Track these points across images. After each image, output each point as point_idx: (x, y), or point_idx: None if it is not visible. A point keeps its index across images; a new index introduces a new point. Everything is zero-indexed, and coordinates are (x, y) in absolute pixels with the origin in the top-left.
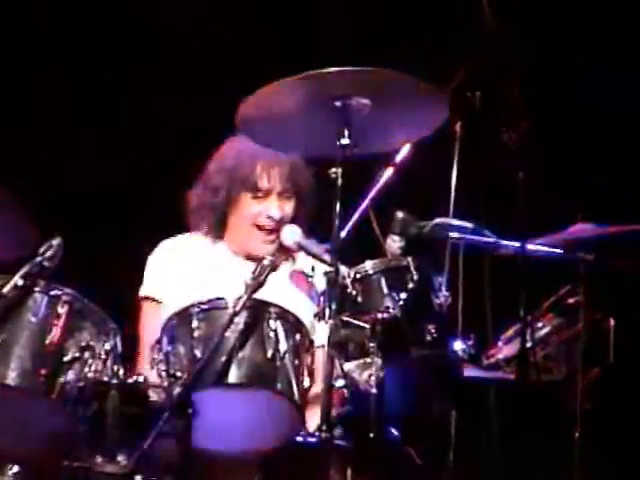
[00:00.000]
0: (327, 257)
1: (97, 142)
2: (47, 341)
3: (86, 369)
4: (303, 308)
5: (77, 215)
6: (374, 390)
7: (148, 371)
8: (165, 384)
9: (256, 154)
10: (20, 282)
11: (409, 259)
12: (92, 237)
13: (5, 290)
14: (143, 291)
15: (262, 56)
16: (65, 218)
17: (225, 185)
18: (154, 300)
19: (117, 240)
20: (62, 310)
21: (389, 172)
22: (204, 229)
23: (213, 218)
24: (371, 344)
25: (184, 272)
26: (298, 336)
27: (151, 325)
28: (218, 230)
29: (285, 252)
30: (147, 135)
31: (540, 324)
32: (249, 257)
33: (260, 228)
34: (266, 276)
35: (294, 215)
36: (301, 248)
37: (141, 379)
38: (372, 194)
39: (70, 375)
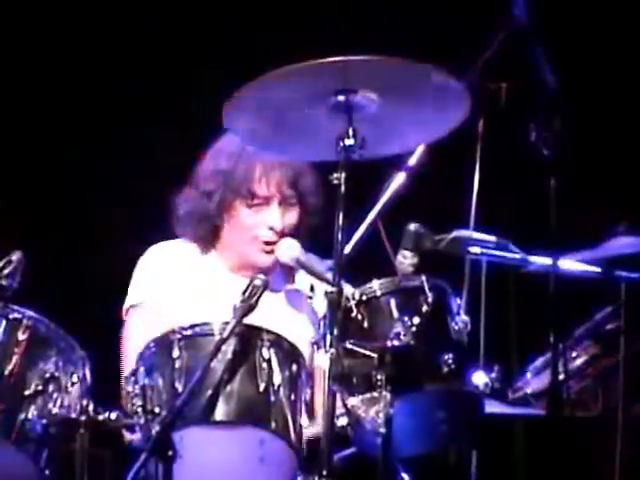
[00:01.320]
0: (329, 276)
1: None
2: (5, 372)
3: (51, 404)
4: (300, 334)
5: (40, 227)
6: (382, 429)
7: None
8: (142, 422)
9: (255, 155)
10: None
11: (423, 278)
12: (57, 251)
13: None
14: (134, 299)
15: (252, 44)
16: (27, 230)
17: (219, 190)
18: (146, 307)
19: (87, 255)
20: (23, 336)
21: (400, 178)
22: (193, 238)
23: (204, 227)
24: (379, 376)
25: (177, 279)
26: (295, 367)
27: (146, 334)
28: (209, 241)
29: (281, 268)
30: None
31: (574, 353)
32: (243, 268)
33: (259, 240)
34: (258, 297)
35: (297, 226)
36: (300, 265)
37: (114, 416)
38: (381, 203)
39: (32, 411)
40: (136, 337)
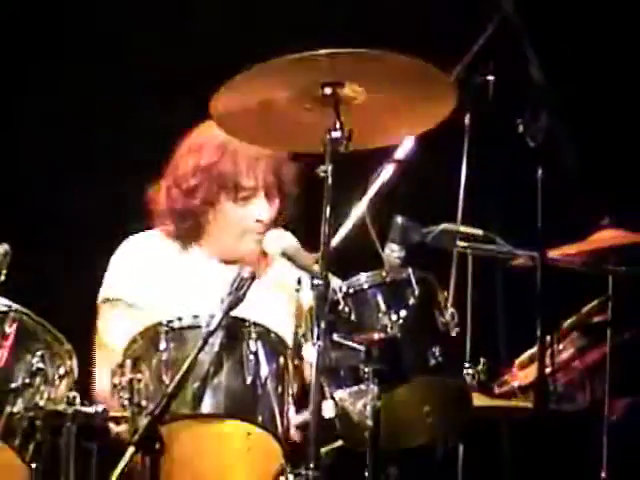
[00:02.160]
0: (316, 268)
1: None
2: None
3: (37, 397)
4: (288, 327)
5: (26, 220)
6: (370, 422)
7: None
8: (129, 414)
9: (238, 147)
10: None
11: (410, 271)
12: (44, 244)
13: None
14: (106, 293)
15: (240, 37)
16: (13, 223)
17: (203, 186)
18: (120, 301)
19: (72, 248)
20: (9, 329)
21: (387, 171)
22: (175, 234)
23: (188, 224)
24: (366, 369)
25: (156, 271)
26: (282, 359)
27: (119, 328)
28: (192, 236)
29: (267, 259)
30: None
31: (561, 346)
32: (228, 261)
33: (248, 233)
34: (245, 290)
35: (275, 217)
36: (287, 257)
37: (100, 409)
38: (368, 196)
39: (19, 404)
40: (116, 336)
